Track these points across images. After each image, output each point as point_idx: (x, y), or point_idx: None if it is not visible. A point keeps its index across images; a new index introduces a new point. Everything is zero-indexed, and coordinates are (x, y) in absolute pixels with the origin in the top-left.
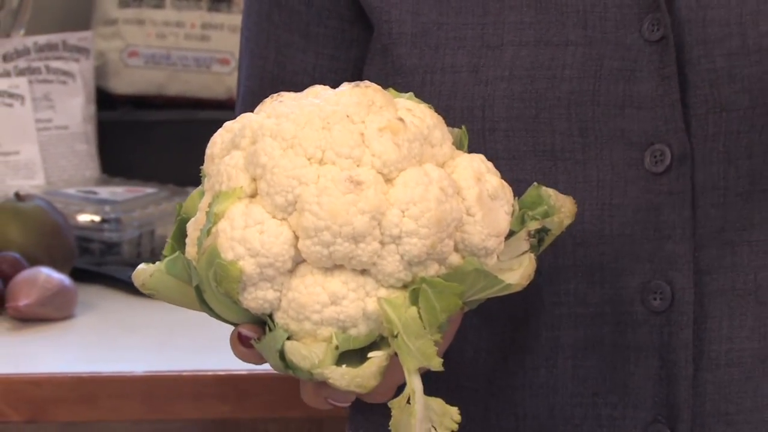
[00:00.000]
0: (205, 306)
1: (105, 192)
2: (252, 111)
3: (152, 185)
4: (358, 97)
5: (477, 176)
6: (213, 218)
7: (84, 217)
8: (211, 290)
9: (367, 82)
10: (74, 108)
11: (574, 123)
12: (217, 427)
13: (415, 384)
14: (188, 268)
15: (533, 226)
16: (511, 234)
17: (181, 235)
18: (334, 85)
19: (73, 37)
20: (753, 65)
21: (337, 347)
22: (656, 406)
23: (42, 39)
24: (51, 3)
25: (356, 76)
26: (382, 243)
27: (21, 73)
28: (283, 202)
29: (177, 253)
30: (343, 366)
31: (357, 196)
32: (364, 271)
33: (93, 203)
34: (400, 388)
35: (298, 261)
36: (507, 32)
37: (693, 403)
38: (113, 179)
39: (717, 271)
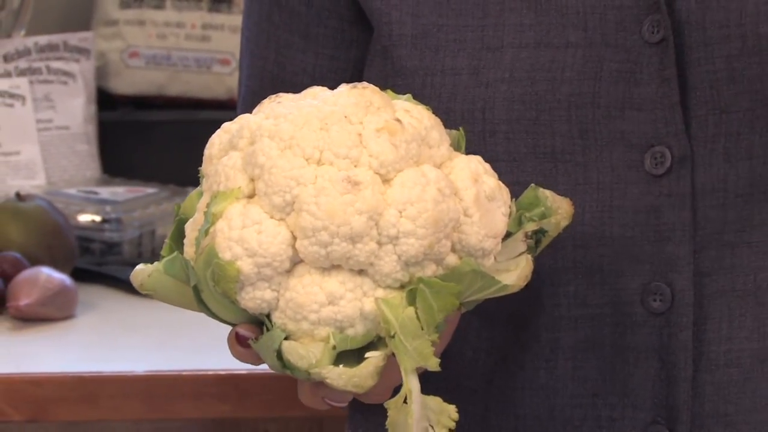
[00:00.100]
0: (202, 306)
1: (106, 192)
2: (253, 111)
3: (153, 185)
4: (355, 98)
5: (474, 177)
6: (211, 218)
7: (85, 217)
8: (208, 290)
9: (364, 84)
10: (75, 108)
11: (575, 125)
12: (218, 426)
13: (412, 384)
14: (186, 268)
15: (530, 227)
16: (508, 235)
17: (179, 236)
18: (334, 85)
19: (73, 38)
20: (753, 67)
21: (334, 347)
22: (656, 407)
23: (43, 39)
24: (52, 4)
25: (356, 76)
26: (380, 243)
27: (22, 73)
28: (280, 202)
29: (175, 253)
30: (341, 366)
31: (354, 197)
32: (361, 272)
33: (94, 203)
34: (398, 388)
35: (296, 261)
36: (507, 34)
37: (692, 404)
38: (114, 179)
39: (717, 273)
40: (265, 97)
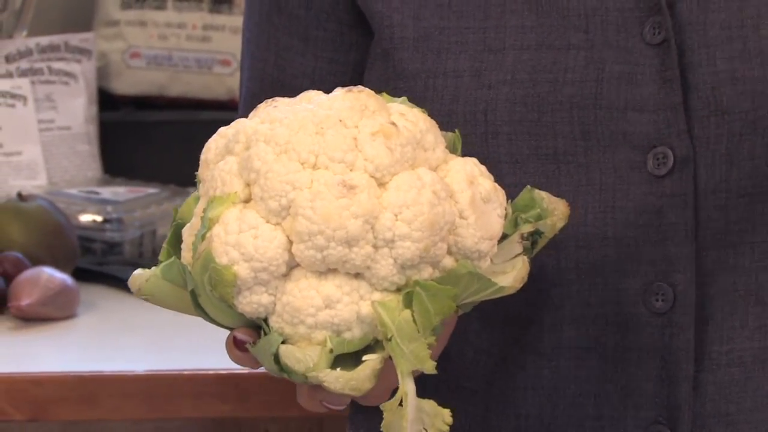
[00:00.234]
0: (200, 310)
1: (107, 192)
2: (249, 115)
3: (154, 185)
4: (351, 102)
5: (470, 179)
6: (207, 223)
7: (86, 217)
8: (206, 294)
9: (360, 87)
10: (76, 109)
11: (577, 126)
12: (218, 426)
13: (408, 386)
14: (184, 272)
15: (526, 229)
16: (504, 237)
17: (176, 241)
18: (334, 88)
19: (75, 38)
20: (754, 68)
21: (331, 350)
22: (657, 407)
23: (44, 40)
24: (53, 4)
25: (355, 79)
26: (376, 247)
27: (23, 74)
28: (276, 206)
29: (172, 258)
30: (338, 369)
31: (350, 200)
32: (357, 275)
33: (95, 203)
34: (396, 390)
35: (293, 265)
36: (509, 36)
37: (694, 404)
38: (115, 179)
39: (719, 273)
40: (266, 99)
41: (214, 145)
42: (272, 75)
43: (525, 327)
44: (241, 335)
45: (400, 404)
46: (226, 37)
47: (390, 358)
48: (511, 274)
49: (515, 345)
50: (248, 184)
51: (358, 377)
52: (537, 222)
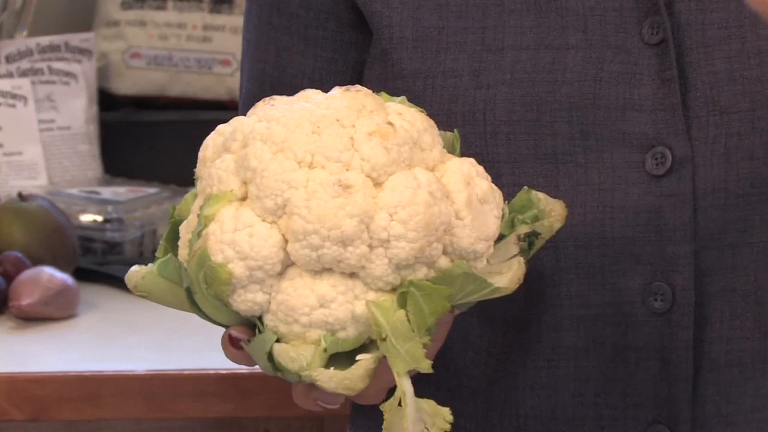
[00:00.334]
0: (195, 308)
1: (107, 192)
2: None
3: (154, 185)
4: (348, 102)
5: (466, 180)
6: (203, 221)
7: (86, 217)
8: (201, 292)
9: (357, 87)
10: (77, 109)
11: (575, 126)
12: (219, 425)
13: (405, 386)
14: (180, 269)
15: (523, 230)
16: (501, 238)
17: (174, 238)
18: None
19: (75, 39)
20: (753, 68)
21: (325, 350)
22: (657, 407)
23: (45, 40)
24: (54, 4)
25: (355, 78)
26: (371, 246)
27: (24, 74)
28: (272, 205)
29: (169, 255)
30: (332, 368)
31: (346, 200)
32: (352, 275)
33: (95, 203)
34: (392, 390)
35: (288, 264)
36: (507, 36)
37: (693, 404)
38: (115, 179)
39: (717, 273)
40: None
41: (211, 142)
42: (272, 75)
43: (525, 327)
44: (236, 333)
45: (399, 404)
46: (227, 37)
47: (385, 357)
48: (507, 275)
49: (515, 345)
50: (245, 183)
51: (351, 377)
52: (534, 223)
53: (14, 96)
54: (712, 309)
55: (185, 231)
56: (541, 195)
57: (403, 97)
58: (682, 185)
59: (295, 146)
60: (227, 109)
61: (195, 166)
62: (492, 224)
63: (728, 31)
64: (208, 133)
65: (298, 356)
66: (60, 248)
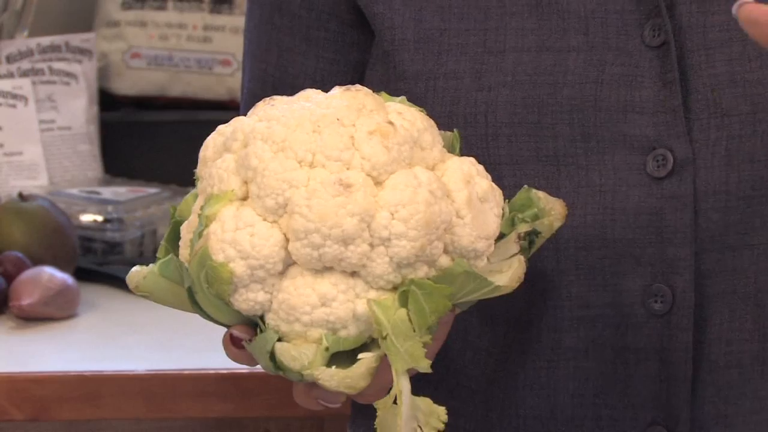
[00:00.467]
0: (197, 307)
1: (107, 192)
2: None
3: (154, 185)
4: (348, 101)
5: (466, 179)
6: (204, 221)
7: (87, 217)
8: (202, 292)
9: (357, 86)
10: (77, 109)
11: (577, 128)
12: (219, 425)
13: (402, 385)
14: (181, 270)
15: (523, 228)
16: (501, 236)
17: (175, 238)
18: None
19: (76, 39)
20: (754, 71)
21: (327, 348)
22: (656, 408)
23: (45, 40)
24: (54, 5)
25: (357, 79)
26: (372, 245)
27: (24, 74)
28: (273, 204)
29: (170, 255)
30: (333, 367)
31: (346, 199)
32: (353, 273)
33: (96, 203)
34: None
35: (289, 263)
36: (509, 38)
37: (692, 405)
38: (116, 179)
39: (718, 275)
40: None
41: (212, 142)
42: (274, 75)
43: (525, 327)
44: (237, 332)
45: (395, 402)
46: (227, 37)
47: (385, 356)
48: (507, 274)
49: (515, 345)
50: (245, 182)
51: (353, 375)
52: (534, 222)
53: (15, 96)
54: (712, 311)
55: (186, 231)
56: (541, 194)
57: (402, 97)
58: (683, 187)
59: (296, 145)
60: (227, 109)
61: (195, 166)
62: (492, 223)
63: (729, 34)
64: (208, 133)
65: (300, 355)
66: (60, 248)
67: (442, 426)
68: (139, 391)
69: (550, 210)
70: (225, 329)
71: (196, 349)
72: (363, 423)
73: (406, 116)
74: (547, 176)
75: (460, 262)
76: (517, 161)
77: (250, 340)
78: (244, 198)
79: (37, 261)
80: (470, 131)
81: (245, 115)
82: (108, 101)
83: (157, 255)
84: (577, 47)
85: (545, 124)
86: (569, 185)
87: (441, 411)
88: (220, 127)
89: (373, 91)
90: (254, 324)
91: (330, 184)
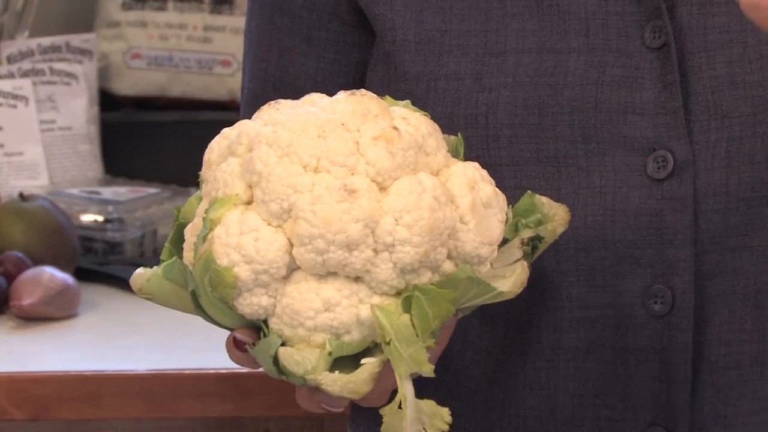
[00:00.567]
0: (200, 311)
1: (108, 192)
2: (252, 117)
3: (155, 185)
4: (353, 106)
5: (470, 184)
6: (209, 224)
7: (87, 217)
8: (206, 295)
9: (362, 91)
10: (77, 109)
11: (577, 129)
12: (220, 425)
13: (406, 390)
14: (185, 272)
15: (526, 234)
16: (504, 242)
17: (179, 240)
18: (337, 88)
19: (76, 39)
20: (754, 72)
21: (330, 353)
22: (655, 409)
23: (46, 41)
24: (54, 5)
25: (358, 79)
26: (376, 251)
27: (25, 74)
28: (278, 209)
29: (174, 258)
30: (336, 372)
31: (351, 205)
32: (357, 279)
33: (96, 203)
34: (395, 390)
35: (293, 268)
36: (510, 39)
37: (691, 406)
38: (116, 179)
39: (718, 276)
40: (268, 100)
41: (217, 145)
42: (274, 76)
43: (525, 328)
44: (241, 336)
45: (399, 407)
46: (227, 37)
47: (388, 360)
48: (510, 279)
49: (515, 345)
50: (250, 186)
51: (356, 380)
52: (537, 227)
53: (15, 96)
54: (712, 312)
55: (190, 234)
56: (544, 199)
57: (407, 101)
58: (683, 189)
59: (301, 150)
60: (227, 109)
61: (195, 166)
62: (496, 228)
63: (730, 36)
64: (209, 133)
65: (303, 360)
66: (61, 248)
67: (446, 427)
68: (139, 391)
69: (554, 215)
70: (228, 331)
71: (196, 349)
72: (363, 423)
73: (410, 121)
74: (548, 177)
75: (464, 267)
76: (518, 162)
77: (254, 344)
78: (249, 202)
79: (38, 261)
80: (471, 132)
81: (246, 114)
82: (108, 101)
83: (161, 257)
84: (577, 49)
85: (546, 126)
86: (569, 186)
87: (445, 412)
88: (225, 131)
89: (376, 93)
90: (257, 328)
91: (335, 189)
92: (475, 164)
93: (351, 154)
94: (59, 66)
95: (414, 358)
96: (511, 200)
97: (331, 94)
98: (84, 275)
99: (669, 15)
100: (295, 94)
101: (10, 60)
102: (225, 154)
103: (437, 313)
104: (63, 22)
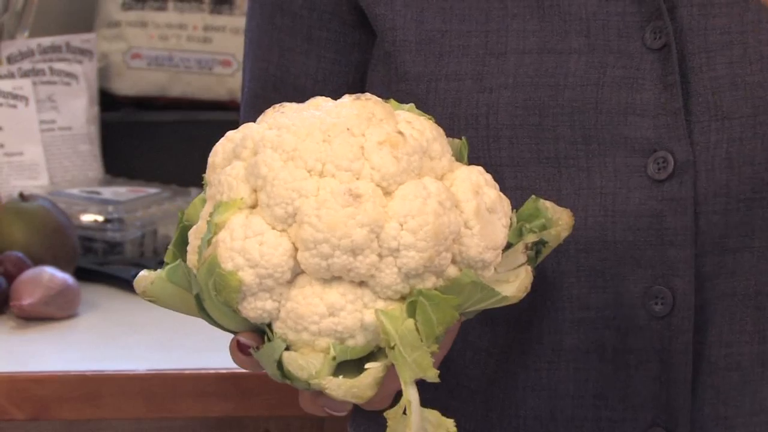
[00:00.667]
0: (204, 314)
1: (108, 192)
2: (256, 113)
3: (155, 185)
4: (358, 110)
5: (475, 189)
6: (213, 228)
7: (87, 217)
8: (210, 299)
9: (367, 95)
10: (78, 109)
11: (578, 130)
12: (220, 425)
13: (411, 395)
14: (189, 275)
15: (530, 238)
16: (508, 246)
17: (182, 242)
18: (337, 88)
19: (76, 39)
20: (755, 73)
21: (334, 358)
22: (656, 410)
23: (46, 41)
24: (55, 5)
25: (358, 79)
26: (380, 255)
27: (25, 74)
28: (282, 213)
29: (178, 260)
30: (340, 377)
31: (356, 209)
32: (362, 283)
33: (96, 203)
34: (398, 395)
35: (297, 272)
36: (510, 40)
37: (692, 407)
38: (116, 179)
39: (718, 277)
40: (268, 100)
41: (221, 148)
42: (275, 75)
43: (525, 328)
44: (245, 340)
45: (404, 412)
46: (227, 37)
47: (392, 365)
48: (514, 284)
49: (515, 346)
50: (255, 190)
51: (360, 385)
52: (541, 232)
53: (15, 96)
54: (712, 313)
55: (194, 237)
56: (548, 204)
57: (411, 105)
58: (683, 190)
59: (306, 154)
60: (227, 109)
61: (196, 166)
62: (500, 233)
63: (730, 37)
64: (209, 133)
65: (307, 364)
66: (61, 248)
67: None
68: (139, 391)
69: (558, 220)
70: (231, 334)
71: (196, 349)
72: (363, 423)
73: (415, 125)
74: (548, 178)
75: (468, 272)
76: (518, 163)
77: (258, 348)
78: (254, 206)
79: (38, 261)
80: (471, 133)
81: (246, 114)
82: (108, 101)
83: (165, 259)
84: (578, 49)
85: (546, 126)
86: (570, 187)
87: (450, 423)
88: (229, 133)
89: (376, 94)
90: (261, 331)
91: (339, 194)
92: (480, 168)
93: (356, 159)
94: (59, 66)
95: (418, 363)
96: (512, 201)
97: (331, 93)
98: (84, 275)
99: (669, 16)
100: (296, 93)
101: (10, 60)
102: (229, 158)
103: (441, 319)
104: (63, 22)
